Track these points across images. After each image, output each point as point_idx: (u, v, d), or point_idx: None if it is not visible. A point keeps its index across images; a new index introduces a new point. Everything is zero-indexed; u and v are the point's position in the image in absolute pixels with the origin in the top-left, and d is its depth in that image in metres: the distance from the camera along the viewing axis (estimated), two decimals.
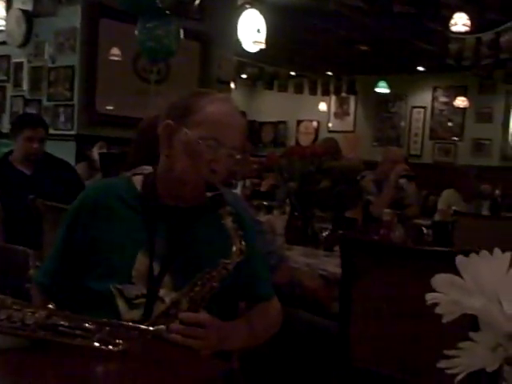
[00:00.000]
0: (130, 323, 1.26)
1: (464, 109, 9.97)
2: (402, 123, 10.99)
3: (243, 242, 1.34)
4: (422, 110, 10.77)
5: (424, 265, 1.89)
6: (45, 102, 6.17)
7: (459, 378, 0.50)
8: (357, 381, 2.06)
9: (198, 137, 1.39)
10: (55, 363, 1.13)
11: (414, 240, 2.98)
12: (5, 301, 1.17)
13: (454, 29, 5.62)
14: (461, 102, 9.64)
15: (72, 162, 4.88)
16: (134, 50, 5.60)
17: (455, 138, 10.36)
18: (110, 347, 1.15)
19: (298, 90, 11.02)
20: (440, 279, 0.52)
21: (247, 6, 5.03)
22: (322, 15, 7.09)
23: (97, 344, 1.15)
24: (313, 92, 10.95)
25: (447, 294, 0.52)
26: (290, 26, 7.42)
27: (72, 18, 5.78)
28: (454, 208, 4.02)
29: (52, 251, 1.56)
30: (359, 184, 3.37)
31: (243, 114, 9.92)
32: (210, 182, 1.40)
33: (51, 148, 3.80)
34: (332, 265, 2.41)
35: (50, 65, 6.07)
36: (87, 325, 1.18)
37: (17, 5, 6.26)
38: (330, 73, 10.85)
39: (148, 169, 1.54)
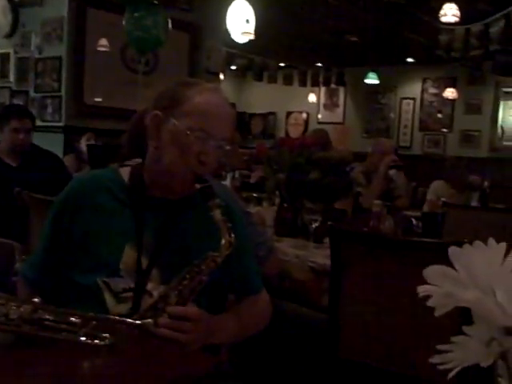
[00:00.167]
0: (117, 317, 1.25)
1: (453, 100, 9.99)
2: (392, 115, 11.00)
3: (232, 235, 1.33)
4: (412, 101, 10.79)
5: (414, 256, 1.88)
6: (32, 94, 6.12)
7: (452, 374, 0.49)
8: (346, 373, 2.06)
9: (186, 128, 1.37)
10: (41, 358, 1.11)
11: (403, 231, 2.98)
12: None
13: (443, 19, 5.61)
14: (450, 93, 9.66)
15: (60, 153, 4.84)
16: (122, 41, 5.56)
17: (444, 130, 10.38)
18: (97, 341, 1.13)
19: (288, 81, 10.99)
20: (432, 271, 0.51)
21: None
22: (311, 6, 7.06)
23: (83, 338, 1.14)
24: (302, 83, 10.93)
25: (440, 287, 0.50)
26: (279, 16, 7.38)
27: (59, 7, 5.72)
28: (443, 199, 4.02)
29: (38, 244, 1.54)
30: (349, 175, 3.35)
31: (232, 105, 9.90)
32: (198, 174, 1.38)
33: (39, 140, 3.76)
34: (321, 256, 2.40)
35: (37, 55, 6.01)
36: (73, 319, 1.17)
37: None
38: (319, 64, 10.82)
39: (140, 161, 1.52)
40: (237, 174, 4.38)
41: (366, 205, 3.39)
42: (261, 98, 12.06)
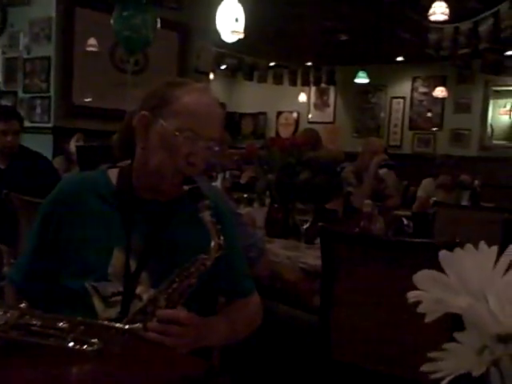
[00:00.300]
0: (106, 322, 1.23)
1: (443, 99, 10.03)
2: (382, 114, 11.02)
3: (222, 237, 1.31)
4: (402, 100, 10.82)
5: (405, 257, 1.88)
6: (20, 94, 6.08)
7: (444, 382, 0.48)
8: (338, 374, 2.05)
9: (174, 128, 1.35)
10: (28, 364, 1.09)
11: (394, 231, 2.98)
12: None
13: (432, 18, 5.62)
14: (440, 92, 9.69)
15: (49, 155, 4.81)
16: (111, 41, 5.53)
17: (434, 129, 10.41)
18: (85, 347, 1.11)
19: (278, 80, 10.98)
20: (422, 276, 0.49)
21: None
22: (301, 4, 7.05)
23: (71, 344, 1.12)
24: (292, 83, 10.92)
25: (430, 292, 0.49)
26: (269, 15, 7.36)
27: (47, 6, 5.68)
28: (434, 199, 4.03)
29: (25, 248, 1.52)
30: (339, 175, 3.35)
31: (223, 105, 9.88)
32: (187, 175, 1.37)
33: (28, 141, 3.73)
34: (312, 257, 2.39)
35: (26, 56, 5.98)
36: (61, 324, 1.15)
37: None
38: (309, 63, 10.82)
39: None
40: (227, 175, 4.37)
41: (357, 204, 3.39)
42: (251, 97, 12.05)
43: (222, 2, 4.84)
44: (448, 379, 0.48)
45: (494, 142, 9.82)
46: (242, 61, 9.77)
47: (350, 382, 2.06)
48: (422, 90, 10.56)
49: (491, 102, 9.84)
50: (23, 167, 3.32)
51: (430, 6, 5.67)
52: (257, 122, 12.44)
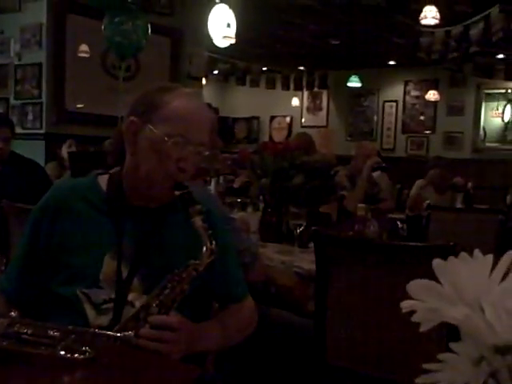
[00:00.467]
0: (97, 330, 1.21)
1: (435, 102, 10.06)
2: (375, 117, 11.05)
3: (213, 242, 1.30)
4: (394, 103, 10.85)
5: (399, 260, 1.87)
6: (12, 101, 6.06)
7: None
8: (333, 379, 2.04)
9: (163, 134, 1.34)
10: (18, 374, 1.07)
11: (389, 235, 2.97)
12: None
13: (423, 22, 5.63)
14: (432, 95, 9.72)
15: (42, 161, 4.79)
16: (102, 47, 5.52)
17: (427, 132, 10.44)
18: (76, 355, 1.10)
19: (271, 85, 10.99)
20: (416, 285, 0.48)
21: (217, 0, 4.97)
22: (292, 10, 7.06)
23: (62, 352, 1.10)
24: (285, 87, 10.94)
25: (424, 301, 0.47)
26: (260, 20, 7.38)
27: (38, 13, 5.67)
28: (427, 201, 4.03)
29: (15, 255, 1.50)
30: (333, 179, 3.34)
31: (216, 110, 9.87)
32: (177, 181, 1.35)
33: (20, 147, 3.71)
34: (307, 261, 2.38)
35: (17, 62, 5.96)
36: (52, 332, 1.13)
37: None
38: (302, 67, 10.83)
39: None
40: (221, 180, 4.35)
41: (351, 208, 3.38)
42: (244, 102, 12.05)
43: (214, 8, 4.85)
44: None
45: (487, 144, 9.86)
46: (235, 66, 9.77)
47: None
48: (415, 93, 10.60)
49: (483, 105, 9.88)
50: (14, 174, 3.29)
51: (420, 10, 5.69)
52: (250, 126, 12.45)
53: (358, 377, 1.96)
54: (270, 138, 11.81)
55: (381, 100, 10.99)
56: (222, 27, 4.84)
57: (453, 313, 0.44)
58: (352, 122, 11.31)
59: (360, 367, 1.94)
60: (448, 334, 1.32)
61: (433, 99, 9.79)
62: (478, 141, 9.91)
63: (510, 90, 9.64)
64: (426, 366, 0.47)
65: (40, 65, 5.75)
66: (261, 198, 3.14)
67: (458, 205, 4.58)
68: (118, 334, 1.19)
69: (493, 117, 9.87)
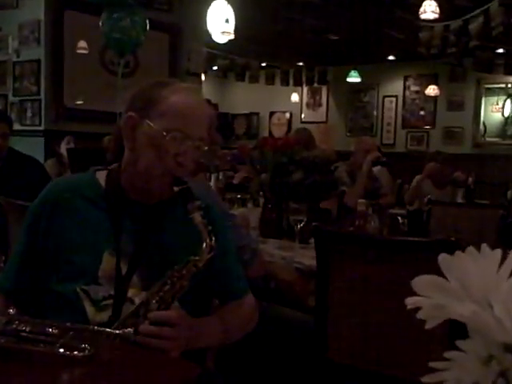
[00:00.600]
0: (96, 327, 1.20)
1: (435, 97, 10.03)
2: (375, 112, 11.02)
3: (213, 238, 1.29)
4: (394, 98, 10.82)
5: (400, 255, 1.86)
6: (11, 97, 6.04)
7: None
8: (334, 375, 2.03)
9: (162, 129, 1.33)
10: (17, 371, 1.06)
11: (389, 230, 2.96)
12: None
13: (423, 16, 5.60)
14: (432, 90, 9.68)
15: (41, 158, 4.78)
16: (100, 43, 5.49)
17: (427, 127, 10.42)
18: (75, 353, 1.08)
19: (270, 80, 10.97)
20: (421, 281, 0.46)
21: None
22: (292, 5, 7.04)
23: (61, 350, 1.09)
24: (284, 83, 10.91)
25: (430, 298, 0.45)
26: (259, 16, 7.35)
27: (36, 9, 5.65)
28: (429, 197, 4.01)
29: (14, 252, 1.49)
30: (333, 174, 3.33)
31: (215, 106, 9.85)
32: (176, 176, 1.34)
33: (19, 145, 3.70)
34: (307, 257, 2.37)
35: (15, 59, 5.94)
36: (50, 330, 1.12)
37: None
38: (301, 63, 10.80)
39: None
40: (221, 176, 4.34)
41: (351, 204, 3.37)
42: (243, 98, 12.03)
43: (212, 3, 4.82)
44: None
45: (487, 139, 9.84)
46: (234, 61, 9.75)
47: (347, 382, 2.04)
48: (414, 88, 10.57)
49: (483, 100, 9.86)
50: (13, 171, 3.28)
51: (419, 5, 5.67)
52: (250, 122, 12.42)
53: (358, 372, 1.95)
54: (270, 133, 11.78)
55: (380, 95, 10.96)
56: (220, 23, 4.81)
57: (460, 309, 0.43)
58: (352, 118, 11.28)
59: (361, 363, 1.93)
60: (451, 330, 1.31)
61: (433, 94, 9.75)
62: (478, 136, 9.89)
63: (510, 85, 9.62)
64: (432, 364, 0.45)
65: (38, 61, 5.73)
66: (261, 193, 3.13)
67: (459, 200, 4.57)
68: (118, 331, 1.18)
69: (493, 112, 9.84)
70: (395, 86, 10.77)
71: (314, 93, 11.75)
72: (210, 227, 1.30)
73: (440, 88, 9.75)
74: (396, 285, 1.81)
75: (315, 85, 11.10)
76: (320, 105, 11.75)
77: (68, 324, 1.14)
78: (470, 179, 5.16)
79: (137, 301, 1.33)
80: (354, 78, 9.00)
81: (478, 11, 5.99)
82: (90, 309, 1.33)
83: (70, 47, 5.72)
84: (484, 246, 0.45)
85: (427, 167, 4.58)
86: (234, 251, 1.58)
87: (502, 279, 0.45)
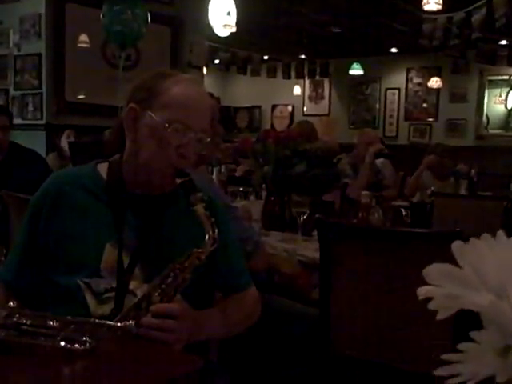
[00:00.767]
0: (97, 320, 1.19)
1: (438, 89, 9.98)
2: (377, 105, 10.98)
3: (216, 230, 1.28)
4: (397, 91, 10.77)
5: (404, 247, 1.85)
6: (12, 91, 6.03)
7: None
8: (338, 367, 2.02)
9: (164, 120, 1.31)
10: (18, 365, 1.06)
11: (392, 222, 2.94)
12: None
13: (426, 8, 5.57)
14: (435, 82, 9.64)
15: (43, 152, 4.76)
16: (102, 36, 5.47)
17: (430, 119, 10.39)
18: (77, 346, 1.08)
19: (272, 73, 10.93)
20: (434, 270, 0.44)
21: None
22: None
23: (62, 343, 1.08)
24: (286, 76, 10.87)
25: (443, 287, 0.43)
26: (260, 9, 7.31)
27: (36, 3, 5.63)
28: (432, 188, 4.00)
29: (15, 245, 1.48)
30: (336, 167, 3.31)
31: (217, 99, 9.82)
32: (178, 168, 1.33)
33: (20, 138, 3.69)
34: (311, 250, 2.35)
35: (16, 53, 5.92)
36: (51, 323, 1.11)
37: None
38: (303, 56, 10.76)
39: None
40: (223, 168, 4.33)
41: (354, 196, 3.35)
42: (245, 91, 12.00)
43: None
44: (472, 383, 0.43)
45: (490, 131, 9.80)
46: (236, 55, 9.71)
47: (351, 374, 2.03)
48: (417, 80, 10.53)
49: (486, 92, 9.81)
50: (15, 164, 3.27)
51: None
52: (252, 115, 12.39)
53: (362, 364, 1.94)
54: (272, 126, 11.73)
55: (383, 88, 10.92)
56: (222, 16, 4.79)
57: (476, 299, 0.41)
58: (354, 110, 11.25)
59: (364, 355, 1.92)
60: (455, 320, 1.30)
61: (435, 86, 9.71)
62: (481, 128, 9.85)
63: None
64: (444, 356, 0.43)
65: (39, 55, 5.71)
66: (263, 186, 3.11)
67: (462, 192, 4.55)
68: (119, 324, 1.17)
69: (496, 104, 9.80)
70: (398, 79, 10.72)
71: (316, 86, 11.71)
72: (212, 219, 1.28)
73: (443, 80, 9.70)
74: (400, 277, 1.80)
75: (317, 78, 11.05)
76: (322, 98, 11.71)
77: (69, 317, 1.14)
78: (473, 171, 5.14)
79: (139, 293, 1.32)
80: (356, 70, 8.98)
81: (480, 3, 5.95)
82: (91, 301, 1.33)
83: (71, 41, 5.70)
84: (500, 233, 0.44)
85: (425, 159, 4.57)
86: (237, 244, 1.57)
87: None
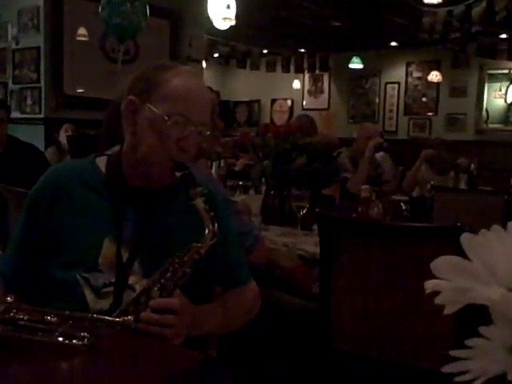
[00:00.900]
0: (96, 315, 1.18)
1: (438, 83, 9.96)
2: (377, 99, 10.96)
3: (216, 225, 1.26)
4: (396, 85, 10.75)
5: (404, 241, 1.84)
6: (10, 85, 6.00)
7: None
8: (338, 362, 2.01)
9: (163, 113, 1.30)
10: (15, 360, 1.04)
11: (392, 216, 2.93)
12: None
13: (426, 1, 5.55)
14: (434, 76, 9.61)
15: (41, 146, 4.75)
16: (100, 30, 5.44)
17: (430, 113, 10.37)
18: (75, 341, 1.06)
19: (271, 67, 10.91)
20: (441, 262, 0.43)
21: None
22: None
23: (60, 338, 1.07)
24: (286, 70, 10.84)
25: (451, 281, 0.42)
26: (260, 2, 7.28)
27: None
28: (432, 183, 3.99)
29: (13, 239, 1.47)
30: (336, 161, 3.30)
31: (217, 93, 9.79)
32: (178, 161, 1.31)
33: (19, 133, 3.67)
34: (310, 244, 2.35)
35: (14, 46, 5.89)
36: (49, 318, 1.10)
37: None
38: (302, 50, 10.73)
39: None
40: (222, 163, 4.32)
41: (354, 190, 3.34)
42: (245, 85, 11.97)
43: None
44: (482, 380, 0.41)
45: (490, 125, 9.79)
46: (235, 48, 9.68)
47: (350, 369, 2.02)
48: (417, 74, 10.50)
49: (486, 86, 9.79)
50: (12, 158, 3.26)
51: None
52: (251, 109, 12.37)
53: (362, 359, 1.93)
54: (271, 121, 11.71)
55: (383, 82, 10.89)
56: (221, 9, 4.77)
57: (486, 293, 0.40)
58: (354, 104, 11.23)
59: (364, 350, 1.92)
60: (457, 315, 1.29)
61: (435, 80, 9.69)
62: (481, 122, 9.83)
63: None
64: (453, 352, 0.42)
65: (38, 49, 5.69)
66: (263, 180, 3.10)
67: (462, 186, 4.54)
68: (118, 319, 1.16)
69: (496, 98, 9.78)
70: (397, 73, 10.70)
71: (315, 80, 11.68)
72: (212, 213, 1.27)
73: (442, 74, 9.68)
74: (400, 271, 1.79)
75: (317, 72, 11.03)
76: (322, 92, 11.68)
77: (67, 312, 1.12)
78: (473, 165, 5.14)
79: (138, 288, 1.31)
80: (355, 64, 8.95)
81: None
82: (90, 296, 1.32)
83: (69, 34, 5.67)
84: (510, 223, 0.42)
85: (423, 153, 4.56)
86: (237, 238, 1.55)
87: None
